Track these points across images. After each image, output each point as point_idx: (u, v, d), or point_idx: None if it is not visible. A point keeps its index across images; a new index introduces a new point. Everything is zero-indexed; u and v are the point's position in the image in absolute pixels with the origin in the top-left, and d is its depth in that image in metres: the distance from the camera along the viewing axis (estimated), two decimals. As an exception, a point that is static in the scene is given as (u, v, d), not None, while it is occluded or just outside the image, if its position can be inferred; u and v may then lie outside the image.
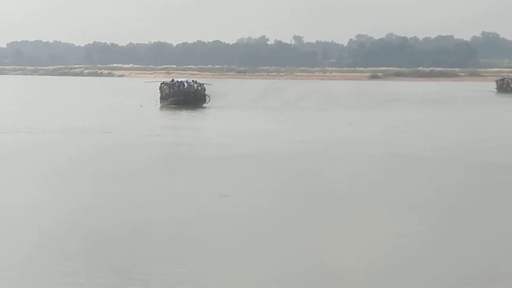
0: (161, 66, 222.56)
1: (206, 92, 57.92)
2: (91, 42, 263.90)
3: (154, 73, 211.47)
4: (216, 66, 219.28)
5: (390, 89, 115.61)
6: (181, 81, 58.75)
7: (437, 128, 41.57)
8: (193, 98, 56.95)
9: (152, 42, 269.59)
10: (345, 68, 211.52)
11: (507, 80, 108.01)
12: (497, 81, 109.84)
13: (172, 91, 57.56)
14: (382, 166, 26.03)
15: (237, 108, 57.07)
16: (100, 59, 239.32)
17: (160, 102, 58.66)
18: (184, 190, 21.01)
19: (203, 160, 27.43)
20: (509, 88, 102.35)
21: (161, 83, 59.85)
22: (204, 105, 57.23)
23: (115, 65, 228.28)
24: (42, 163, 26.80)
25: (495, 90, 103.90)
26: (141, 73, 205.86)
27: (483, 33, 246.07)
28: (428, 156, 28.69)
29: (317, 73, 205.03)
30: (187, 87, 57.88)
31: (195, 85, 58.26)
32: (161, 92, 58.93)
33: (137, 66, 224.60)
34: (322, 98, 78.98)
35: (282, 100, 69.50)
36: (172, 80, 59.81)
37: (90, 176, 23.63)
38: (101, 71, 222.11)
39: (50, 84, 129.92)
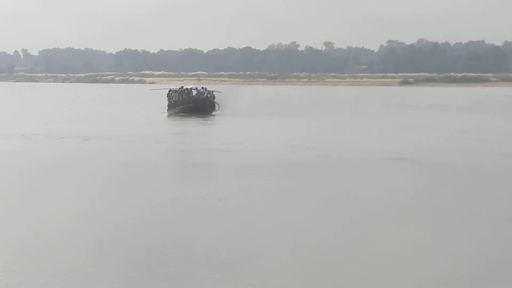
0: (192, 73, 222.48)
1: (215, 100, 56.65)
2: (122, 49, 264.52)
3: (185, 79, 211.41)
4: (247, 73, 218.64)
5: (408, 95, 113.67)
6: (190, 88, 57.61)
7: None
8: (202, 106, 55.75)
9: (183, 48, 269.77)
10: (376, 74, 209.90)
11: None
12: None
13: (181, 99, 56.38)
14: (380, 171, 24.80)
15: (246, 116, 55.78)
16: (131, 66, 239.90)
17: (167, 110, 57.45)
18: (189, 197, 20.95)
19: (209, 167, 27.48)
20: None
21: (169, 90, 58.62)
22: (214, 113, 55.96)
23: (146, 72, 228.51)
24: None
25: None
26: (172, 80, 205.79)
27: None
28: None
29: (347, 79, 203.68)
30: (196, 94, 56.67)
31: (205, 92, 57.01)
32: (169, 99, 57.72)
33: (168, 73, 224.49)
34: (330, 105, 78.19)
35: (293, 108, 68.60)
36: (181, 87, 58.62)
37: (91, 182, 23.68)
38: (132, 78, 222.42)
39: (73, 91, 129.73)
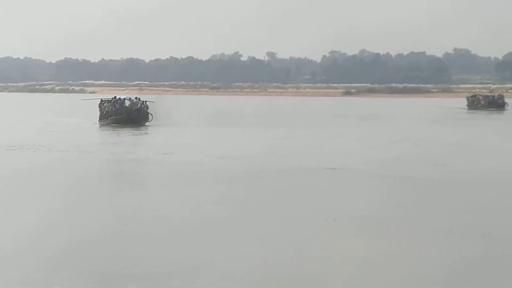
0: (134, 82, 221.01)
1: (149, 110, 55.10)
2: (63, 59, 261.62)
3: (126, 89, 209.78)
4: (190, 83, 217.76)
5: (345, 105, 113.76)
6: (123, 98, 56.00)
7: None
8: (136, 116, 54.14)
9: (125, 58, 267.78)
10: (318, 85, 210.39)
11: (478, 97, 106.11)
12: (468, 98, 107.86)
13: (113, 109, 54.74)
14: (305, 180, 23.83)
15: (181, 126, 54.45)
16: (72, 76, 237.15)
17: (99, 121, 55.70)
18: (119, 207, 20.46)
19: (141, 177, 27.11)
20: (480, 105, 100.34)
21: (101, 101, 56.99)
22: (147, 123, 54.40)
23: (86, 81, 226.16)
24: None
25: (466, 107, 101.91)
26: (113, 89, 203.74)
27: (455, 49, 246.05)
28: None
29: (290, 89, 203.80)
30: (130, 105, 55.03)
31: (138, 102, 55.42)
32: (100, 110, 56.03)
33: (109, 82, 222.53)
34: (269, 114, 77.89)
35: (231, 118, 68.18)
36: (114, 97, 57.00)
37: (29, 193, 22.91)
38: (72, 87, 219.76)
39: (8, 100, 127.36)
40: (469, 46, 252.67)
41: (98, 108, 56.42)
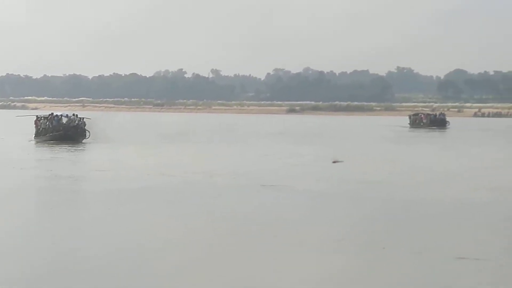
0: (77, 99, 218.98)
1: (86, 127, 54.15)
2: (4, 74, 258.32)
3: (69, 105, 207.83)
4: (133, 99, 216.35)
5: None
6: (60, 115, 55.01)
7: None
8: (73, 134, 53.16)
9: (67, 74, 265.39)
10: (262, 102, 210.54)
11: (420, 115, 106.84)
12: (410, 116, 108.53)
13: (50, 126, 53.71)
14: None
15: (117, 143, 53.53)
16: (14, 92, 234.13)
17: (35, 137, 54.53)
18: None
19: (75, 194, 26.70)
20: (422, 124, 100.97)
21: (37, 117, 55.91)
22: (84, 140, 53.42)
23: (29, 97, 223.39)
24: None
25: (408, 125, 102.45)
26: (55, 106, 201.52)
27: (398, 68, 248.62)
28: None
29: (235, 107, 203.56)
30: (67, 121, 54.07)
31: (76, 119, 54.43)
32: (36, 126, 54.92)
33: (52, 98, 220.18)
34: (208, 131, 77.66)
35: (169, 135, 67.78)
36: (52, 113, 56.00)
37: None
38: (14, 103, 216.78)
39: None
40: (412, 65, 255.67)
41: (34, 125, 55.31)
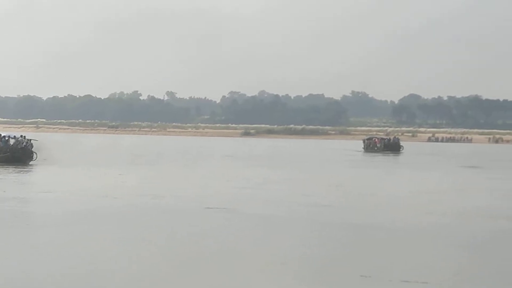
0: (30, 120, 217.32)
1: (33, 149, 53.06)
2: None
3: (23, 126, 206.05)
4: (88, 121, 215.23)
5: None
6: (8, 136, 53.87)
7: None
8: (21, 155, 51.99)
9: (22, 95, 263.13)
10: (217, 125, 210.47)
11: (374, 140, 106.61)
12: (364, 140, 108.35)
13: (-3, 147, 52.55)
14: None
15: (65, 166, 52.63)
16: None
17: None
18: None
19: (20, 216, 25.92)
20: (376, 148, 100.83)
21: None
22: (31, 162, 52.35)
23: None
24: None
25: (362, 149, 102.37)
26: (9, 127, 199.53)
27: (353, 92, 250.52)
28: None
29: (190, 129, 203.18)
30: (15, 143, 52.89)
31: (24, 141, 53.26)
32: (-18, 148, 53.69)
33: (5, 119, 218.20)
34: (156, 154, 76.87)
35: (119, 156, 66.97)
36: None
37: None
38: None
39: None
40: (366, 89, 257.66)
41: (-20, 146, 54.02)
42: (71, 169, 49.47)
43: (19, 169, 48.15)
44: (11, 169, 47.84)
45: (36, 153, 52.87)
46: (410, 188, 41.37)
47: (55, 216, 25.71)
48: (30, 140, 53.74)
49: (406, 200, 34.43)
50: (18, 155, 51.93)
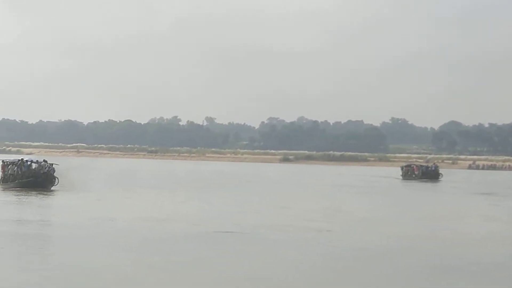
0: (71, 145, 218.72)
1: (55, 174, 52.62)
2: (0, 119, 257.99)
3: (63, 151, 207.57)
4: (127, 146, 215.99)
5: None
6: (30, 161, 53.53)
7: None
8: (44, 180, 51.58)
9: (63, 120, 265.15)
10: (256, 150, 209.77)
11: (412, 167, 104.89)
12: (402, 167, 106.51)
13: (20, 172, 52.12)
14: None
15: (87, 191, 52.19)
16: (9, 136, 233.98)
17: (2, 184, 52.82)
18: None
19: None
20: (414, 175, 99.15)
21: (3, 162, 54.30)
22: (53, 187, 51.82)
23: (23, 142, 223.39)
24: None
25: (401, 177, 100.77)
26: (50, 151, 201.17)
27: (393, 119, 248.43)
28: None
29: (228, 155, 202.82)
30: (37, 168, 52.54)
31: (46, 165, 52.86)
32: (3, 172, 53.24)
33: (47, 144, 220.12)
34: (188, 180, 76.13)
35: (148, 182, 66.69)
36: (22, 159, 54.52)
37: None
38: (9, 148, 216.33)
39: None
40: (406, 115, 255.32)
41: (1, 170, 53.69)
42: (94, 195, 49.11)
43: (40, 194, 47.82)
44: (32, 194, 47.48)
45: (57, 178, 52.47)
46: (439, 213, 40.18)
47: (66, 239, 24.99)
48: (52, 164, 53.34)
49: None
50: (40, 180, 51.56)
